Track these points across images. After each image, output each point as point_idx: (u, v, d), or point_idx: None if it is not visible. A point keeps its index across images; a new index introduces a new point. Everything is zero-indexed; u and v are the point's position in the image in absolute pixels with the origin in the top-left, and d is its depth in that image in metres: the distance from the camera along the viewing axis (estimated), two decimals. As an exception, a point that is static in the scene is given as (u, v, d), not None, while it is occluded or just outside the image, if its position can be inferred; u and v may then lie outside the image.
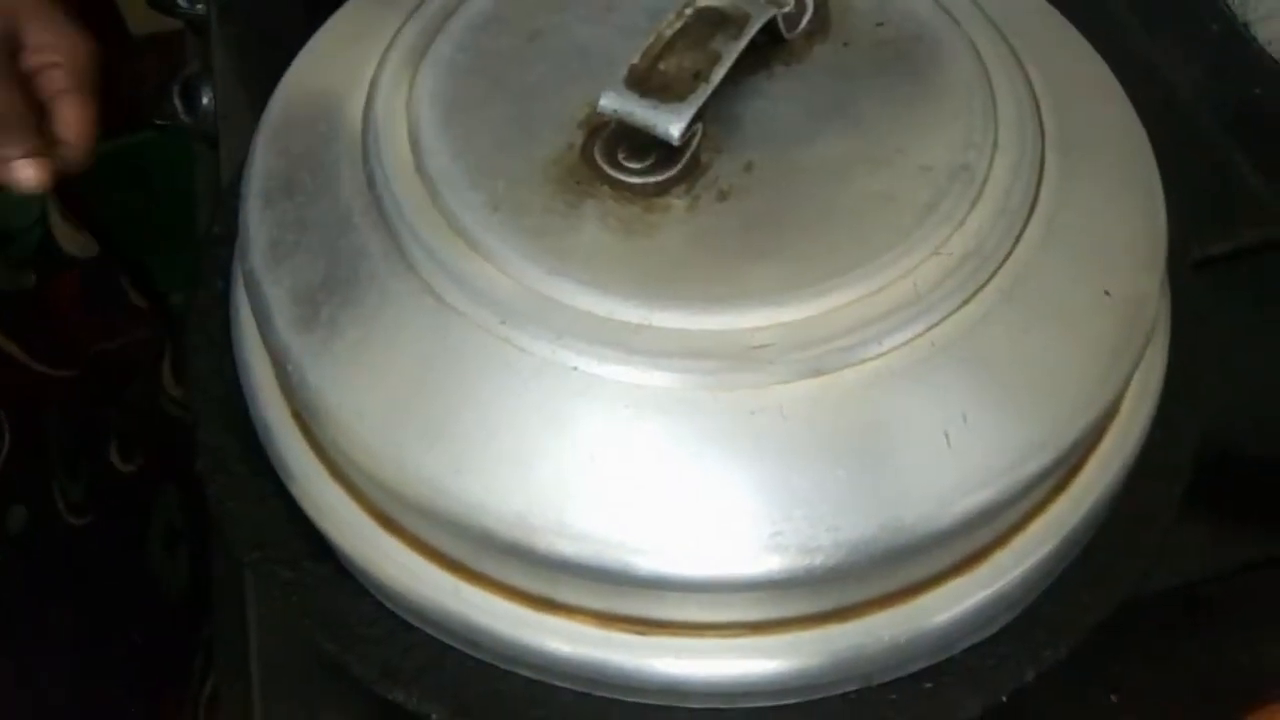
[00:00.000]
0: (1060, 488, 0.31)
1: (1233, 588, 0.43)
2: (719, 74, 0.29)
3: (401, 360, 0.28)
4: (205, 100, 0.59)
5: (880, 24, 0.33)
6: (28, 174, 0.39)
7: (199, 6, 0.61)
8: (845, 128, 0.31)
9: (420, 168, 0.30)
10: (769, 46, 0.32)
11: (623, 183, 0.29)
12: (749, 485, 0.26)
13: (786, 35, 0.32)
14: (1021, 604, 0.31)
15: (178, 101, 0.59)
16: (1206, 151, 0.51)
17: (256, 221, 0.31)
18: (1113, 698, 0.42)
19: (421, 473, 0.27)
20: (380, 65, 0.33)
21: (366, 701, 0.37)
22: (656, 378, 0.27)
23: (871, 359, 0.27)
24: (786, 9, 0.32)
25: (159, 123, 0.62)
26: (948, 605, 0.29)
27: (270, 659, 0.39)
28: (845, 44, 0.33)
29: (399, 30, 0.34)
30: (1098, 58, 0.35)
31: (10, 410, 0.39)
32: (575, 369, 0.27)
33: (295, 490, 0.32)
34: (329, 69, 0.34)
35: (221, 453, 0.34)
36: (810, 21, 0.33)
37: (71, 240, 0.46)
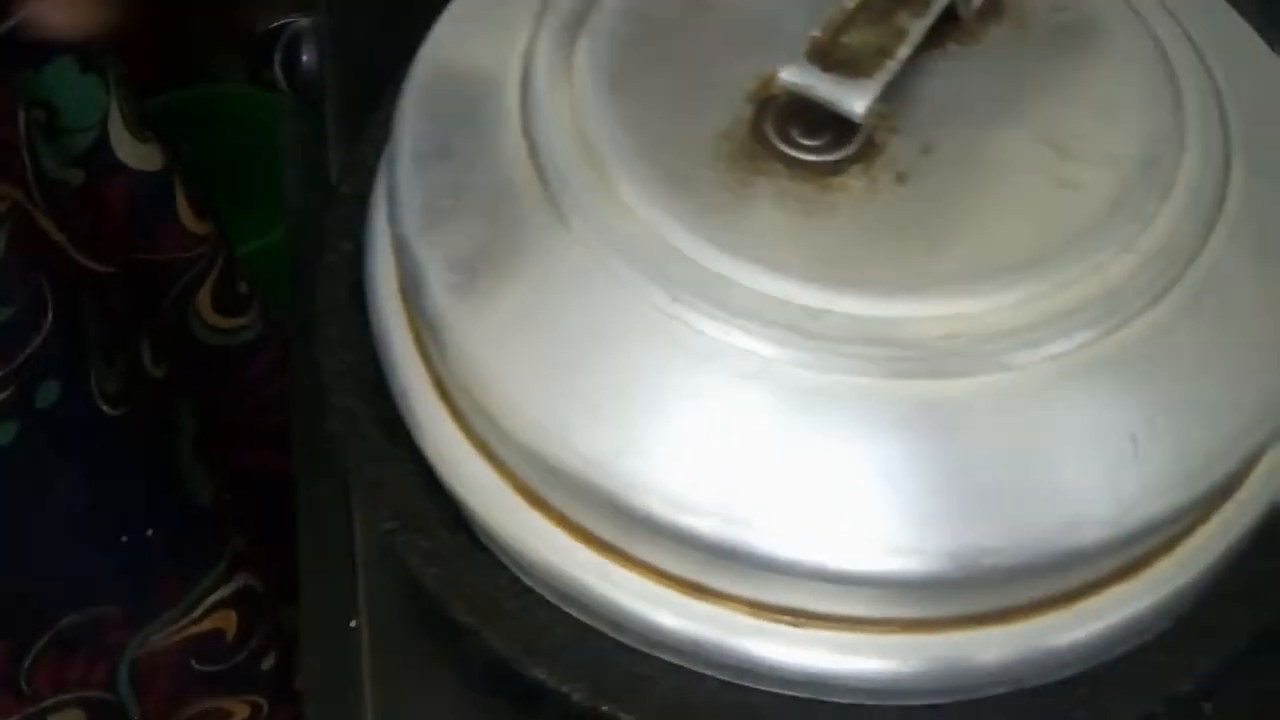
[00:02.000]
0: (1227, 494, 0.30)
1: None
2: (904, 51, 0.28)
3: (565, 334, 0.28)
4: (306, 58, 0.58)
5: (1057, 9, 0.32)
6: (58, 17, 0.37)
7: (303, -40, 0.60)
8: (1025, 111, 0.30)
9: (585, 138, 0.29)
10: (943, 25, 0.31)
11: (797, 160, 0.28)
12: (926, 480, 0.26)
13: (963, 14, 0.31)
14: (1179, 612, 0.30)
15: (278, 60, 0.59)
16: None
17: (409, 185, 0.31)
18: (1208, 706, 0.41)
19: (584, 450, 0.27)
20: (536, 31, 0.32)
21: (480, 672, 0.37)
22: (835, 365, 0.26)
23: (1058, 356, 0.26)
24: (962, -15, 0.31)
25: (257, 82, 0.61)
26: (1109, 612, 0.29)
27: (380, 628, 0.38)
28: (1021, 27, 0.31)
29: (547, 3, 0.33)
30: (1276, 58, 0.33)
31: (54, 291, 0.40)
32: (750, 352, 0.26)
33: (435, 461, 0.32)
34: (477, 32, 0.33)
35: (355, 418, 0.34)
36: (985, 1, 0.31)
37: (131, 150, 0.46)
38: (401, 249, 0.31)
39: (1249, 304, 0.28)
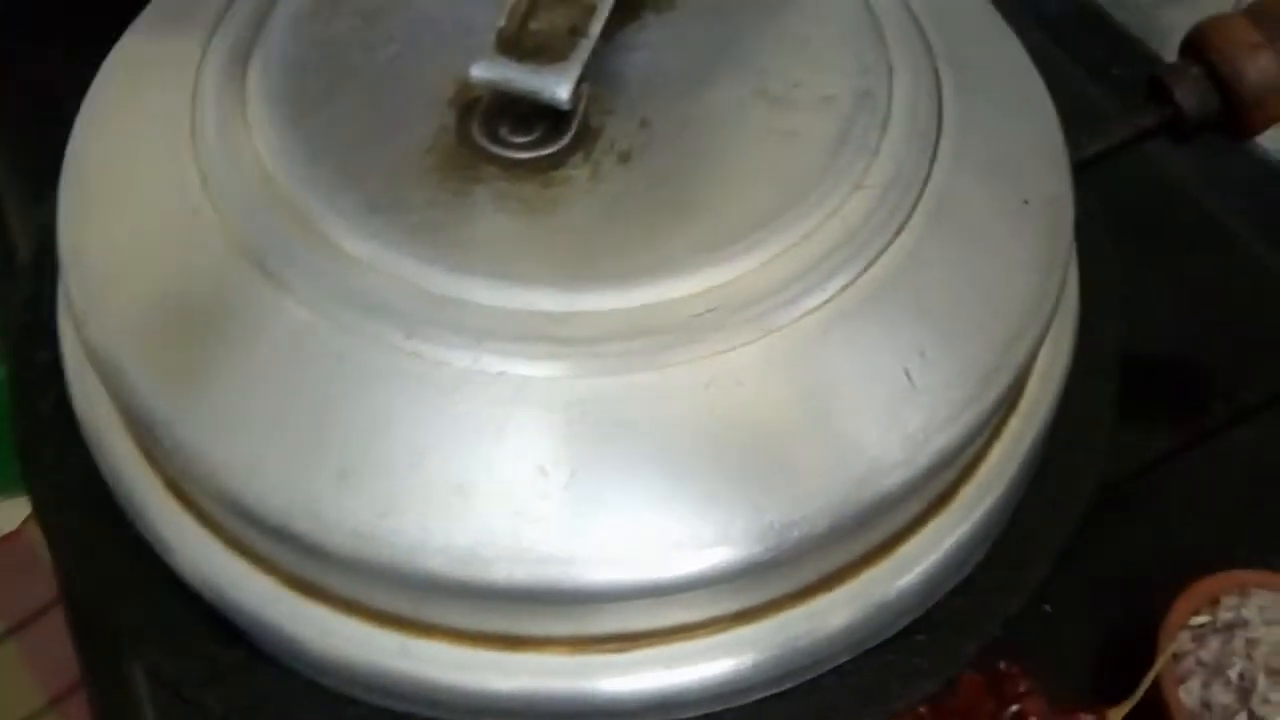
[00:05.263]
0: (1011, 408, 0.30)
1: (1144, 484, 0.44)
2: (596, 26, 0.26)
3: (295, 399, 0.24)
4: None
5: (743, -41, 0.31)
6: None
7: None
8: (734, 68, 0.29)
9: (272, 178, 0.26)
10: (635, -5, 0.29)
11: (512, 159, 0.26)
12: (719, 465, 0.24)
13: (651, -19, 0.30)
14: (993, 534, 0.30)
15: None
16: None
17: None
18: (1046, 608, 0.42)
19: (343, 523, 0.24)
20: (199, 77, 0.28)
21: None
22: (595, 367, 0.24)
23: (818, 308, 0.25)
24: (645, -48, 0.30)
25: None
26: (927, 552, 0.28)
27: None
28: (712, -17, 0.31)
29: (210, 38, 0.29)
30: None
31: None
32: (502, 373, 0.24)
33: (186, 571, 0.28)
34: (135, 95, 0.30)
35: (86, 543, 0.29)
36: (671, -36, 0.30)
37: None
38: (93, 350, 0.26)
39: (985, 216, 0.28)
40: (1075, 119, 0.31)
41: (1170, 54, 0.61)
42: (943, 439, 0.25)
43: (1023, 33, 0.33)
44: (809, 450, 0.24)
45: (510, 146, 0.26)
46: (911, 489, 0.25)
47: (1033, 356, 0.28)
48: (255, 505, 0.24)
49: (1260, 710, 0.40)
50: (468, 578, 0.24)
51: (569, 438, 0.24)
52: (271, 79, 0.28)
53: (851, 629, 0.27)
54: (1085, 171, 0.34)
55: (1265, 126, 0.36)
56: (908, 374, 0.25)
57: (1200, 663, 0.41)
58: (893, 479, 0.25)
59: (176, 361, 0.25)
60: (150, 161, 0.27)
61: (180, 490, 0.28)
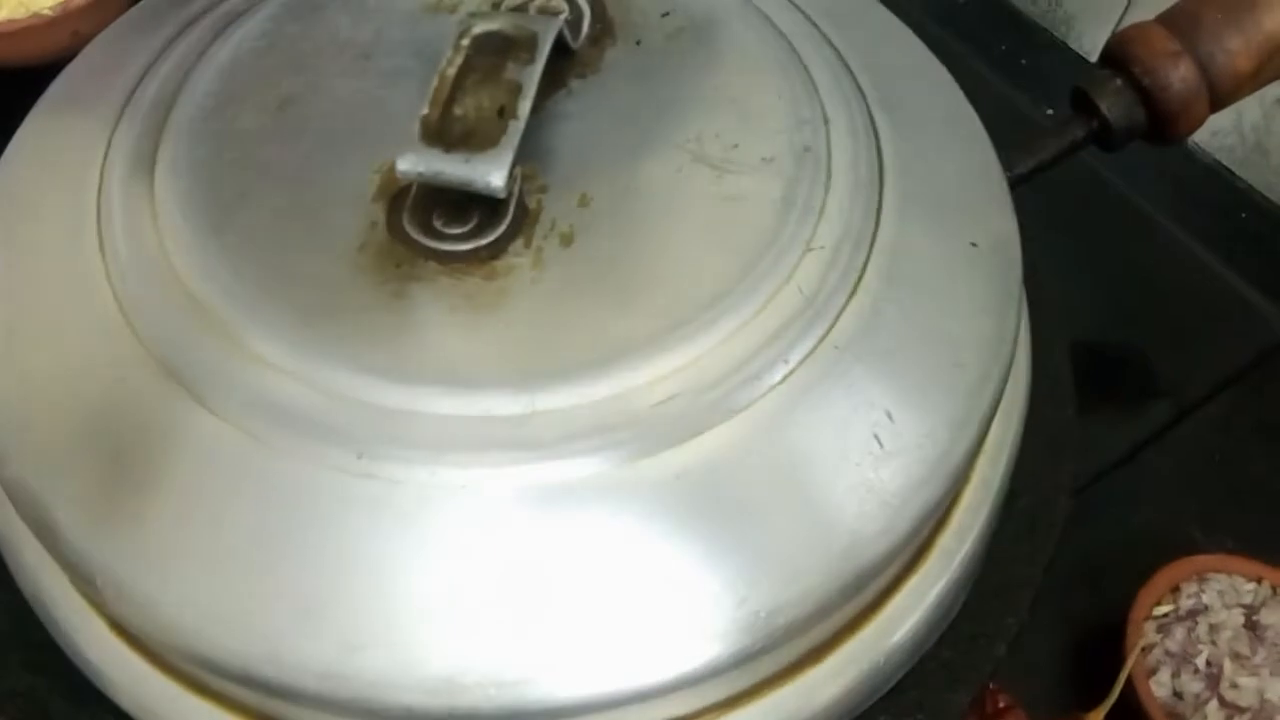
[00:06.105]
0: (976, 452, 0.29)
1: (1100, 486, 0.44)
2: (525, 106, 0.25)
3: (244, 533, 0.23)
4: None
5: (666, 13, 0.30)
6: None
7: None
8: (669, 133, 0.28)
9: (193, 295, 0.25)
10: (557, 64, 0.28)
11: (450, 252, 0.25)
12: (700, 557, 0.23)
13: (573, 46, 0.29)
14: (973, 578, 0.30)
15: None
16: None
17: (-3, 411, 0.25)
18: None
19: (308, 664, 0.22)
20: (102, 182, 0.27)
21: None
22: (563, 470, 0.23)
23: (781, 381, 0.24)
24: (564, 15, 0.28)
25: None
26: (912, 608, 0.28)
27: None
28: (637, 43, 0.30)
29: (111, 135, 0.28)
30: (878, 4, 0.33)
31: None
32: (464, 487, 0.23)
33: (140, 716, 0.26)
34: (35, 205, 0.28)
35: (34, 695, 0.27)
36: (592, 26, 0.29)
37: None
38: (15, 491, 0.25)
39: (936, 266, 0.27)
40: (994, 120, 0.31)
41: (1075, 41, 0.62)
42: (920, 499, 0.25)
43: (922, 28, 0.33)
44: (787, 531, 0.24)
45: (446, 238, 0.25)
46: (894, 554, 0.25)
47: (998, 400, 0.28)
48: (212, 652, 0.23)
49: (1229, 695, 0.41)
50: (446, 707, 0.22)
51: (539, 548, 0.23)
52: (181, 182, 0.26)
53: (844, 697, 0.27)
54: (1017, 189, 0.34)
55: (1190, 132, 0.36)
56: (877, 438, 0.25)
57: (1168, 653, 0.42)
58: (876, 548, 0.24)
59: (108, 501, 0.24)
60: (58, 282, 0.26)
61: (125, 631, 0.26)
